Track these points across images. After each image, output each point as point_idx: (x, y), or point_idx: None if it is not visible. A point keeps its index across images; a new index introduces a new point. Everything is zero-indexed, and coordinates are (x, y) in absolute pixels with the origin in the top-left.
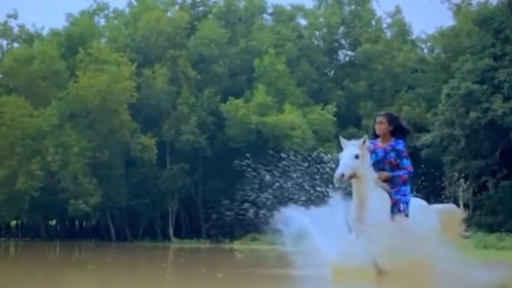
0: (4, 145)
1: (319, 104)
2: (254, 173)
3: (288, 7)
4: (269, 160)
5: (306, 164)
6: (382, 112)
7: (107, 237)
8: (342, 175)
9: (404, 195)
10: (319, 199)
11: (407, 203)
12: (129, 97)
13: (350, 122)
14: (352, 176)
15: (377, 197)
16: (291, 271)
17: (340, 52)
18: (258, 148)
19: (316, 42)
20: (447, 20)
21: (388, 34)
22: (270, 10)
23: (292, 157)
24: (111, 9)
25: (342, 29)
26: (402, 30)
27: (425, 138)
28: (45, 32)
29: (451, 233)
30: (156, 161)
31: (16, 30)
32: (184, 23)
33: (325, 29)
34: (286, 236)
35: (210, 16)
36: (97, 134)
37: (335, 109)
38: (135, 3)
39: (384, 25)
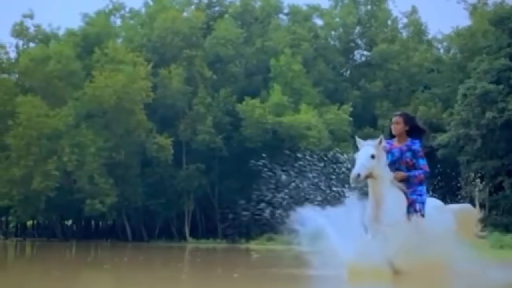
0: (20, 145)
1: (335, 104)
2: (270, 173)
3: (304, 7)
4: (285, 160)
5: (322, 164)
6: (398, 112)
7: (123, 237)
8: (358, 175)
9: (420, 195)
10: (335, 199)
11: (423, 203)
12: (145, 97)
13: (366, 122)
14: (368, 176)
15: (393, 197)
16: (307, 271)
17: (356, 52)
18: (274, 148)
19: (332, 42)
20: (463, 20)
21: (404, 34)
22: (286, 10)
23: (308, 157)
24: (127, 9)
25: (358, 29)
26: (418, 30)
27: (441, 138)
28: (61, 32)
29: (467, 233)
30: (172, 161)
31: (32, 30)
32: (200, 23)
33: (341, 29)
34: (302, 236)
35: (226, 16)
36: (113, 134)
37: (351, 109)
38: (151, 3)
39: (400, 25)
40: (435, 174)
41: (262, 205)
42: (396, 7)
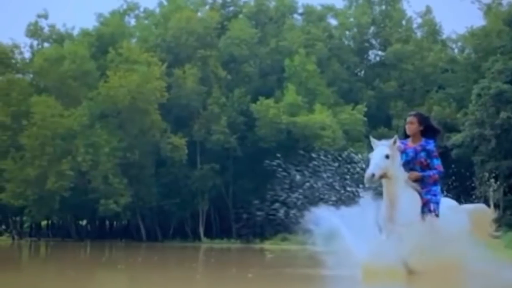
0: (35, 145)
1: (349, 104)
2: (285, 173)
3: (319, 7)
4: (300, 160)
5: (336, 164)
6: (413, 112)
7: (138, 237)
8: (373, 175)
9: (435, 195)
10: (350, 199)
11: (437, 203)
12: (159, 97)
13: (380, 122)
14: (383, 176)
15: (408, 197)
16: (321, 271)
17: (370, 52)
18: (289, 148)
19: (346, 42)
20: (478, 20)
21: (419, 34)
22: (300, 10)
23: (322, 157)
24: (141, 9)
25: (372, 29)
26: (432, 30)
27: (456, 138)
28: (75, 32)
29: (481, 233)
30: (187, 161)
31: (46, 30)
32: (215, 23)
33: (355, 29)
34: (316, 236)
35: (240, 16)
36: (127, 134)
37: (365, 109)
38: (165, 3)
39: (414, 25)
40: (449, 174)
41: (276, 205)
42: (411, 7)
